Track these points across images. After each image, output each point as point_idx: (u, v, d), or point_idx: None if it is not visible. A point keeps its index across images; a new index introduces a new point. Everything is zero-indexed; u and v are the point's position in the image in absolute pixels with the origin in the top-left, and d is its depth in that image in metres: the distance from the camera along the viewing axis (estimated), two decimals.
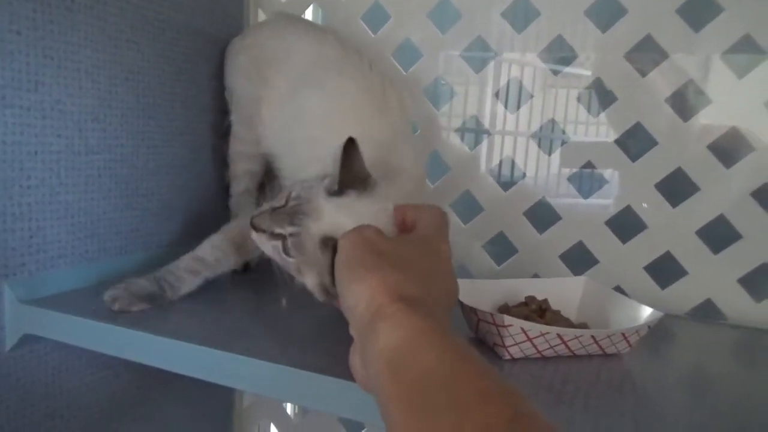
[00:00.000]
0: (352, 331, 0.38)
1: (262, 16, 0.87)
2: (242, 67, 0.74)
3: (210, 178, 0.81)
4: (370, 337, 0.33)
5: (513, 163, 0.79)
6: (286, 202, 0.51)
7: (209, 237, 0.64)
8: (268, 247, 0.51)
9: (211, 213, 0.82)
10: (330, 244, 0.46)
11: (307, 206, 0.49)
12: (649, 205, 0.69)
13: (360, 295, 0.35)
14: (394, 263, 0.37)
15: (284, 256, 0.49)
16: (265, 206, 0.52)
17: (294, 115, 0.67)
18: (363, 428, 0.93)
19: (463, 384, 0.29)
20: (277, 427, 1.00)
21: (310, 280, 0.49)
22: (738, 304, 0.66)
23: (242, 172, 0.76)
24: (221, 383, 0.49)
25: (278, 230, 0.49)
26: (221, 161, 0.79)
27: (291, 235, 0.49)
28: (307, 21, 0.76)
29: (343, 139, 0.50)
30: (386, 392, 0.30)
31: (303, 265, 0.49)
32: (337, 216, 0.48)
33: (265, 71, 0.72)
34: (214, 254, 0.63)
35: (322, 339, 0.52)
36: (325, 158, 0.52)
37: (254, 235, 0.51)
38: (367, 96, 0.64)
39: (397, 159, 0.58)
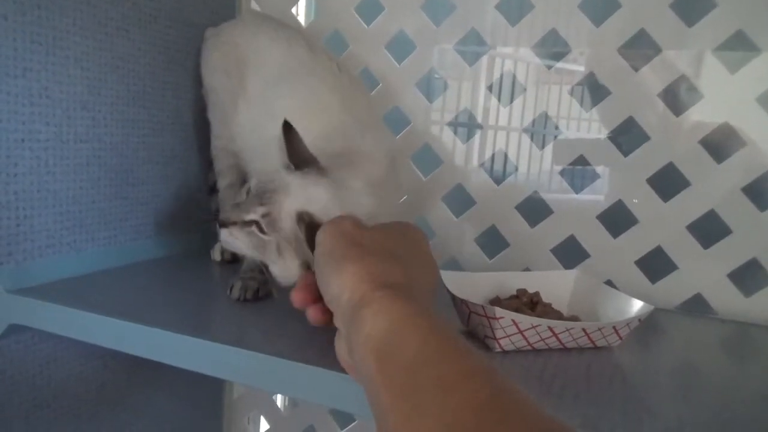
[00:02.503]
0: (337, 322, 0.38)
1: (255, 6, 0.86)
2: (218, 64, 0.74)
3: (199, 169, 0.81)
4: (355, 325, 0.33)
5: (505, 157, 0.79)
6: (247, 194, 0.51)
7: None
8: (242, 239, 0.50)
9: (200, 203, 0.81)
10: (306, 219, 0.47)
11: (272, 185, 0.50)
12: (641, 200, 0.69)
13: (344, 285, 0.36)
14: (375, 252, 0.38)
15: (262, 236, 0.49)
16: (222, 211, 0.52)
17: (264, 116, 0.67)
18: (353, 420, 0.93)
19: (447, 364, 0.29)
20: (266, 418, 1.00)
21: (290, 260, 0.49)
22: (727, 299, 0.66)
23: (226, 168, 0.76)
24: (210, 374, 0.48)
25: (249, 216, 0.49)
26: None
27: (263, 216, 0.49)
28: (277, 21, 0.76)
29: (311, 136, 0.52)
30: (373, 377, 0.31)
31: (282, 242, 0.49)
32: (306, 188, 0.49)
33: (240, 69, 0.72)
34: None
35: (310, 329, 0.51)
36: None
37: (224, 232, 0.50)
38: (336, 95, 0.64)
39: (364, 148, 0.59)
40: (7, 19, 0.53)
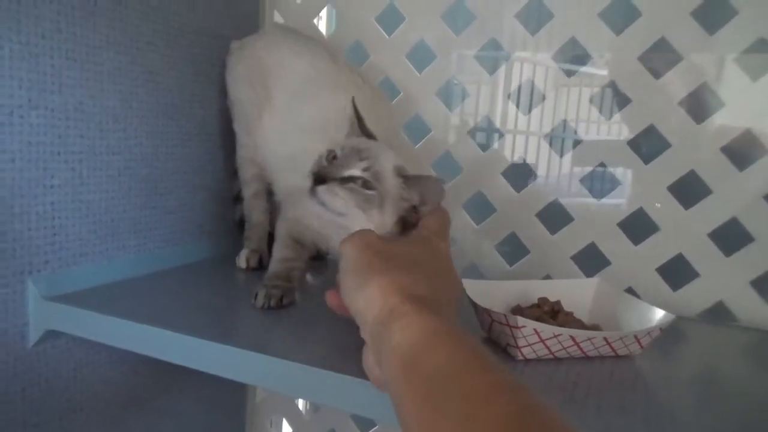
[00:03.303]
0: (364, 334, 0.38)
1: (278, 18, 0.88)
2: (242, 76, 0.76)
3: (226, 178, 0.82)
4: (384, 337, 0.34)
5: (526, 163, 0.79)
6: (333, 157, 0.53)
7: (274, 248, 0.66)
8: (342, 195, 0.50)
9: (226, 212, 0.83)
10: (402, 174, 0.51)
11: (364, 144, 0.53)
12: (662, 208, 0.70)
13: (372, 298, 0.36)
14: (400, 265, 0.39)
15: (365, 191, 0.50)
16: (314, 167, 0.52)
17: (289, 127, 0.69)
18: (374, 425, 0.95)
19: (473, 378, 0.30)
20: (288, 422, 1.02)
21: (388, 215, 0.51)
22: (750, 307, 0.66)
23: (251, 177, 0.78)
24: (235, 379, 0.50)
25: (349, 172, 0.50)
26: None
27: (365, 170, 0.50)
28: (300, 34, 0.78)
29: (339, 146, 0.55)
30: (401, 387, 0.32)
31: (385, 196, 0.51)
32: (389, 150, 0.54)
33: (264, 81, 0.74)
34: (289, 253, 0.64)
35: (334, 336, 0.52)
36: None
37: (322, 189, 0.50)
38: (360, 107, 0.66)
39: None
40: (45, 37, 0.55)
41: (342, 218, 0.51)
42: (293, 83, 0.71)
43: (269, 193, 0.78)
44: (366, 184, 0.50)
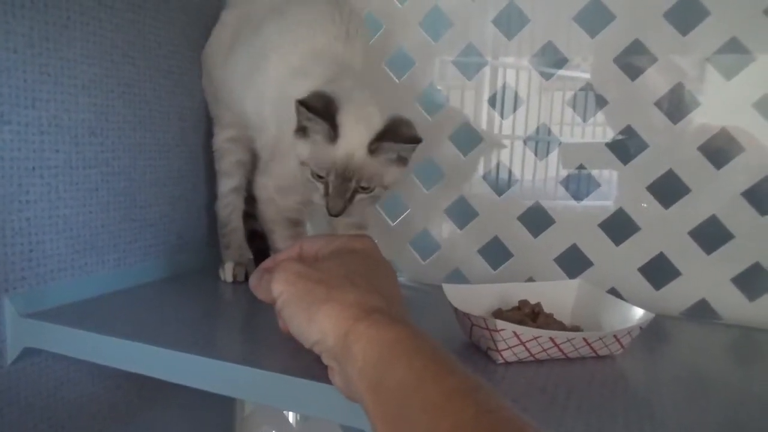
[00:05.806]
0: (327, 361, 0.38)
1: None
2: (217, 52, 0.75)
3: (206, 189, 0.82)
4: (348, 361, 0.34)
5: (506, 167, 0.79)
6: (318, 176, 0.60)
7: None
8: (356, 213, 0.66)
9: (207, 223, 0.83)
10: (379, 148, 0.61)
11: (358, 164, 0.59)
12: (642, 207, 0.70)
13: (325, 327, 0.36)
14: (340, 283, 0.38)
15: (371, 195, 0.61)
16: (328, 206, 0.60)
17: (260, 43, 0.67)
18: None
19: (432, 386, 0.30)
20: None
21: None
22: (732, 304, 0.67)
23: (234, 165, 0.76)
24: (220, 393, 0.49)
25: (356, 196, 0.61)
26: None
27: (366, 188, 0.61)
28: None
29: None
30: (369, 410, 0.32)
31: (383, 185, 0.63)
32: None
33: (233, 39, 0.72)
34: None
35: None
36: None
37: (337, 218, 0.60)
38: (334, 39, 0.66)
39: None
40: (17, 52, 0.55)
41: None
42: (258, 14, 0.69)
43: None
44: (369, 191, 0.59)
